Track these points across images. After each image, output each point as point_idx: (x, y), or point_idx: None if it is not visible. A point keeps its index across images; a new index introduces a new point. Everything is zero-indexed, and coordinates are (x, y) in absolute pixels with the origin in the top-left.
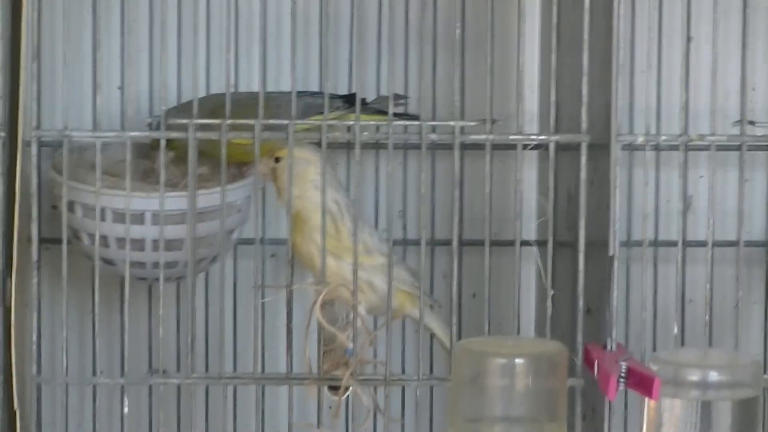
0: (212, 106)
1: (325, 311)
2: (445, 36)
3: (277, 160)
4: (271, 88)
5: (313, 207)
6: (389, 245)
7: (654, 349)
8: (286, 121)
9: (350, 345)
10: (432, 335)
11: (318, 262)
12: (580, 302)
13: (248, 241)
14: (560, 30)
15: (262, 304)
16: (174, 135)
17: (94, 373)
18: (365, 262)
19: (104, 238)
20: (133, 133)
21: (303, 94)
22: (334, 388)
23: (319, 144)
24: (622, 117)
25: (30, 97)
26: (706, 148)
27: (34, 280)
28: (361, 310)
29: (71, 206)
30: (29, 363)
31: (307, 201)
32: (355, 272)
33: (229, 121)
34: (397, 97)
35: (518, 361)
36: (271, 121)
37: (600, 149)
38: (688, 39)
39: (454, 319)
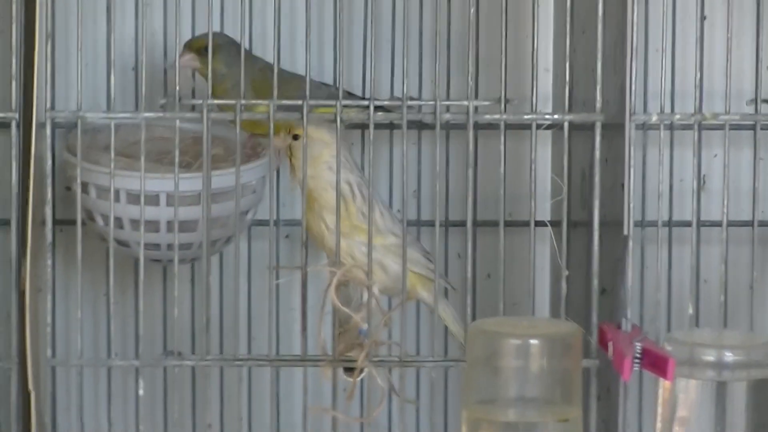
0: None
1: (340, 292)
2: (459, 15)
3: (295, 137)
4: (285, 62)
5: (323, 186)
6: (403, 226)
7: (668, 329)
8: (299, 102)
9: (364, 326)
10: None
11: (328, 241)
12: (595, 282)
13: (263, 222)
14: (575, 9)
15: (277, 285)
16: (188, 116)
17: (108, 355)
18: (376, 242)
19: (118, 220)
20: (147, 114)
21: (327, 86)
22: (348, 370)
23: (334, 123)
24: (636, 96)
25: (44, 79)
26: (720, 127)
27: (49, 262)
28: (375, 290)
29: (85, 187)
30: (44, 345)
31: (319, 180)
32: (369, 252)
33: (243, 102)
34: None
35: (533, 341)
36: (285, 102)
37: (614, 129)
38: (702, 18)
39: (469, 300)
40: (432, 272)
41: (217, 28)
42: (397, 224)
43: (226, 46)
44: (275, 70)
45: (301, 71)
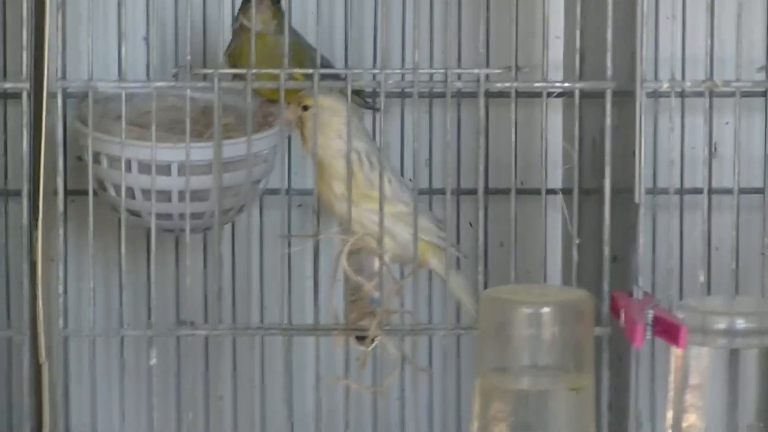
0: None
1: (351, 261)
2: None
3: (304, 108)
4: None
5: (332, 154)
6: (414, 194)
7: (680, 297)
8: (310, 70)
9: (376, 294)
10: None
11: (337, 209)
12: (606, 250)
13: (274, 191)
14: None
15: (289, 254)
16: (200, 85)
17: (120, 325)
18: (385, 210)
19: (130, 190)
20: (158, 84)
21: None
22: (360, 339)
23: (344, 93)
24: (646, 64)
25: (55, 49)
26: (731, 94)
27: (60, 232)
28: (386, 258)
29: (97, 157)
30: (56, 316)
31: (328, 149)
32: (381, 220)
33: (254, 71)
34: None
35: (545, 309)
36: (295, 71)
37: (625, 96)
38: None
39: (481, 268)
40: (443, 240)
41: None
42: (406, 192)
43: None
44: (286, 40)
45: (312, 42)
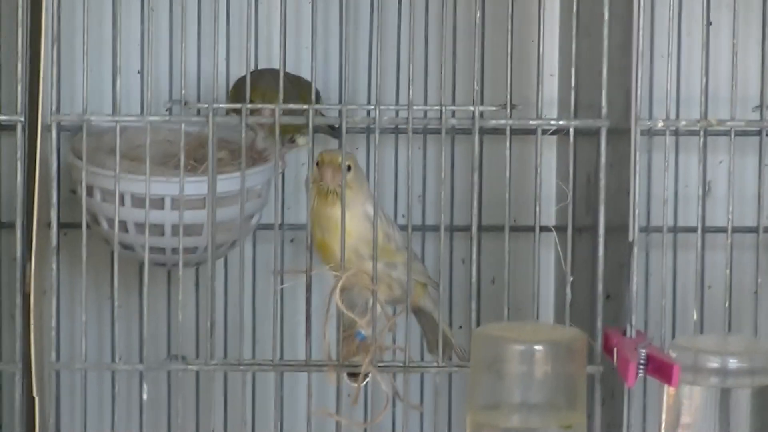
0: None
1: (344, 297)
2: (465, 20)
3: (349, 168)
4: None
5: (360, 216)
6: (408, 231)
7: (673, 335)
8: (305, 106)
9: (363, 331)
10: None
11: (357, 265)
12: (600, 288)
13: (267, 226)
14: (580, 14)
15: (281, 289)
16: (194, 119)
17: (112, 359)
18: (396, 260)
19: (123, 223)
20: (152, 118)
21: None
22: (353, 375)
23: (338, 128)
24: (641, 102)
25: (50, 82)
26: (725, 133)
27: (53, 265)
28: (380, 297)
29: (90, 190)
30: (48, 349)
31: (355, 211)
32: (374, 259)
33: (249, 105)
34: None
35: (537, 347)
36: (291, 105)
37: (620, 134)
38: (708, 24)
39: (473, 305)
40: (435, 283)
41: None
42: (406, 239)
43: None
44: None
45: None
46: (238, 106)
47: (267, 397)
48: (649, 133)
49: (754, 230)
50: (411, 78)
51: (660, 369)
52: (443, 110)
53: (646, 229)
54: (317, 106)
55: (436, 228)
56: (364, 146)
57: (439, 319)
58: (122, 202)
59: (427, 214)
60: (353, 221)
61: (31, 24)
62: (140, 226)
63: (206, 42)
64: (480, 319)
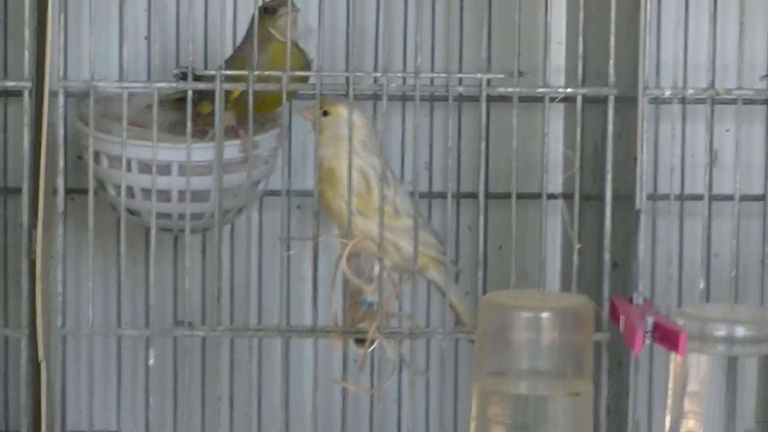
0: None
1: (351, 264)
2: None
3: (325, 113)
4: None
5: (348, 168)
6: (415, 197)
7: (680, 303)
8: (312, 72)
9: (369, 297)
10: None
11: (345, 219)
12: (606, 256)
13: (274, 193)
14: None
15: (288, 256)
16: (201, 86)
17: (119, 324)
18: (392, 224)
19: (130, 189)
20: (159, 84)
21: None
22: (359, 341)
23: (346, 95)
24: (649, 70)
25: (57, 48)
26: (732, 101)
27: (60, 231)
28: (387, 263)
29: (97, 157)
30: (54, 315)
31: (342, 161)
32: (380, 225)
33: (256, 72)
34: None
35: (544, 315)
36: (297, 73)
37: (627, 102)
38: None
39: (480, 273)
40: (443, 254)
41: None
42: (413, 206)
43: None
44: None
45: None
46: (244, 73)
47: (273, 363)
48: (657, 101)
49: (760, 198)
50: (418, 45)
51: (667, 337)
52: (450, 78)
53: (652, 197)
54: (324, 74)
55: (443, 195)
56: (371, 114)
57: (447, 294)
58: (129, 168)
59: (434, 181)
60: (341, 169)
61: None
62: (147, 192)
63: (213, 8)
64: (487, 286)
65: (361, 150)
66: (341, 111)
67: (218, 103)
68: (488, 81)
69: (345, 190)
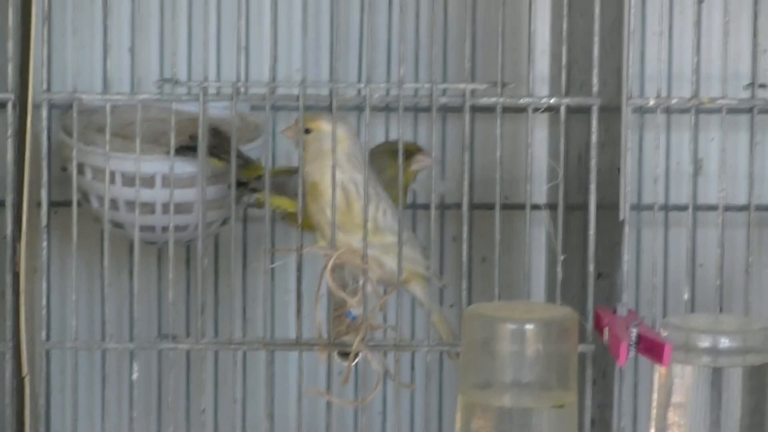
0: None
1: (335, 276)
2: None
3: (307, 131)
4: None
5: (330, 183)
6: (399, 214)
7: (664, 314)
8: (296, 85)
9: (354, 310)
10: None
11: (327, 235)
12: (591, 267)
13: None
14: None
15: (272, 268)
16: (184, 97)
17: (103, 337)
18: (374, 240)
19: (114, 201)
20: (142, 96)
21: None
22: (343, 354)
23: (329, 108)
24: (633, 80)
25: (40, 60)
26: (717, 111)
27: (44, 244)
28: (371, 275)
29: (81, 169)
30: (39, 328)
31: (325, 176)
32: (365, 238)
33: (239, 83)
34: None
35: (529, 326)
36: (282, 83)
37: (611, 112)
38: (700, 1)
39: (464, 284)
40: (427, 270)
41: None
42: (397, 222)
43: None
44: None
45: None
46: (228, 83)
47: (257, 376)
48: (641, 111)
49: (745, 208)
50: (402, 55)
51: (651, 348)
52: (434, 88)
53: (637, 207)
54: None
55: (426, 206)
56: (354, 124)
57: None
58: (113, 181)
59: (417, 192)
60: (323, 183)
61: (22, 1)
62: (131, 204)
63: (197, 19)
64: (471, 297)
65: (345, 163)
66: (322, 126)
67: (202, 114)
68: (472, 91)
69: (326, 204)
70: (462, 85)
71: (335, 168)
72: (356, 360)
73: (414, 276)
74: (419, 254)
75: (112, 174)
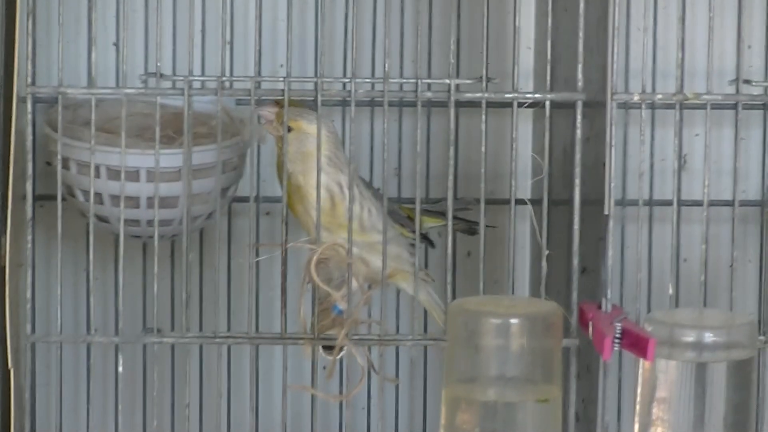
0: None
1: (320, 271)
2: None
3: (289, 129)
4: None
5: (314, 184)
6: (384, 203)
7: (649, 309)
8: (281, 78)
9: (340, 304)
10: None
11: (313, 234)
12: (575, 262)
13: (243, 199)
14: None
15: (257, 262)
16: (169, 92)
17: (88, 331)
18: (359, 239)
19: (99, 195)
20: (128, 90)
21: None
22: (328, 348)
23: (314, 102)
24: (617, 75)
25: (25, 54)
26: (701, 106)
27: (29, 238)
28: (356, 273)
29: (66, 163)
30: (23, 321)
31: (309, 178)
32: (350, 235)
33: (224, 78)
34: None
35: (513, 321)
36: (267, 78)
37: (596, 107)
38: None
39: (449, 279)
40: (412, 266)
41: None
42: (382, 220)
43: None
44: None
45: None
46: (213, 78)
47: (242, 370)
48: (625, 106)
49: (730, 204)
50: (387, 50)
51: (636, 343)
52: (419, 83)
53: (621, 203)
54: (293, 79)
55: (411, 201)
56: (339, 119)
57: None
58: (98, 175)
59: (402, 187)
60: (308, 186)
61: None
62: (116, 198)
63: (182, 14)
64: (456, 293)
65: (326, 165)
66: (303, 126)
67: (186, 109)
68: (457, 86)
69: (311, 206)
70: (447, 80)
71: (320, 166)
72: (341, 354)
73: (399, 272)
74: (405, 251)
75: (97, 168)
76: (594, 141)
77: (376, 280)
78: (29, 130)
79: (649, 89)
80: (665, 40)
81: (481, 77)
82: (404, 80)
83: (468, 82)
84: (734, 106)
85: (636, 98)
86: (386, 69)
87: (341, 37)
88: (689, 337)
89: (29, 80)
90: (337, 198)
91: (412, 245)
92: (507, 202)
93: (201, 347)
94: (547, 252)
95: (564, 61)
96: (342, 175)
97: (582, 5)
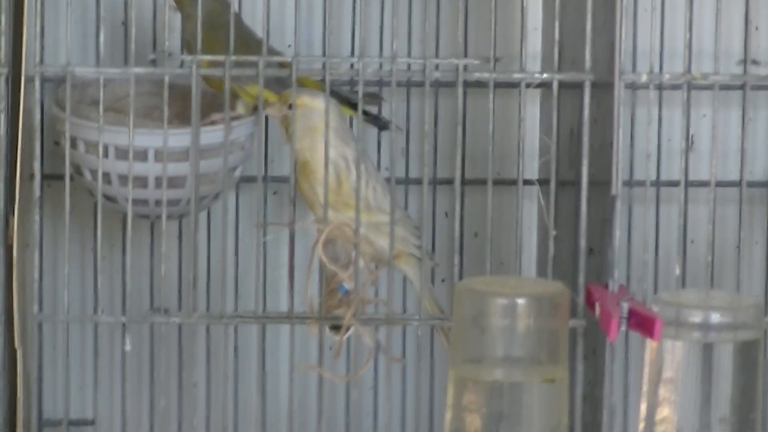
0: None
1: (328, 250)
2: None
3: (290, 107)
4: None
5: (321, 160)
6: (392, 183)
7: (655, 290)
8: (288, 58)
9: (346, 284)
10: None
11: (318, 212)
12: (582, 242)
13: (251, 179)
14: None
15: (264, 242)
16: (178, 71)
17: (95, 311)
18: (364, 218)
19: (106, 175)
20: (136, 69)
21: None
22: (335, 328)
23: (322, 83)
24: (625, 56)
25: (33, 33)
26: (709, 87)
27: (37, 217)
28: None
29: (74, 142)
30: (30, 301)
31: (316, 153)
32: (357, 214)
33: (233, 57)
34: (373, 96)
35: (520, 301)
36: (275, 58)
37: (603, 88)
38: None
39: (456, 259)
40: (418, 249)
41: None
42: (389, 199)
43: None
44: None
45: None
46: (221, 58)
47: (249, 350)
48: (633, 87)
49: (736, 184)
50: (395, 30)
51: (642, 323)
52: (427, 63)
53: (629, 183)
54: (302, 57)
55: (419, 181)
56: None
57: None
58: (106, 154)
59: (410, 167)
60: (315, 161)
61: None
62: (124, 178)
63: None
64: (463, 273)
65: (333, 139)
66: (306, 101)
67: (195, 88)
68: (465, 66)
69: (317, 182)
70: (454, 60)
71: (328, 144)
72: (348, 334)
73: (404, 255)
74: (410, 234)
75: (105, 147)
76: (601, 121)
77: (383, 261)
78: (37, 109)
79: (656, 70)
80: (673, 21)
81: (488, 57)
82: (412, 60)
83: (476, 62)
84: (741, 87)
85: (643, 79)
86: (394, 49)
87: (349, 16)
88: (696, 318)
89: (37, 59)
90: (343, 175)
91: (417, 228)
92: (514, 182)
93: (208, 327)
94: (554, 233)
95: (571, 41)
96: (348, 148)
97: None
